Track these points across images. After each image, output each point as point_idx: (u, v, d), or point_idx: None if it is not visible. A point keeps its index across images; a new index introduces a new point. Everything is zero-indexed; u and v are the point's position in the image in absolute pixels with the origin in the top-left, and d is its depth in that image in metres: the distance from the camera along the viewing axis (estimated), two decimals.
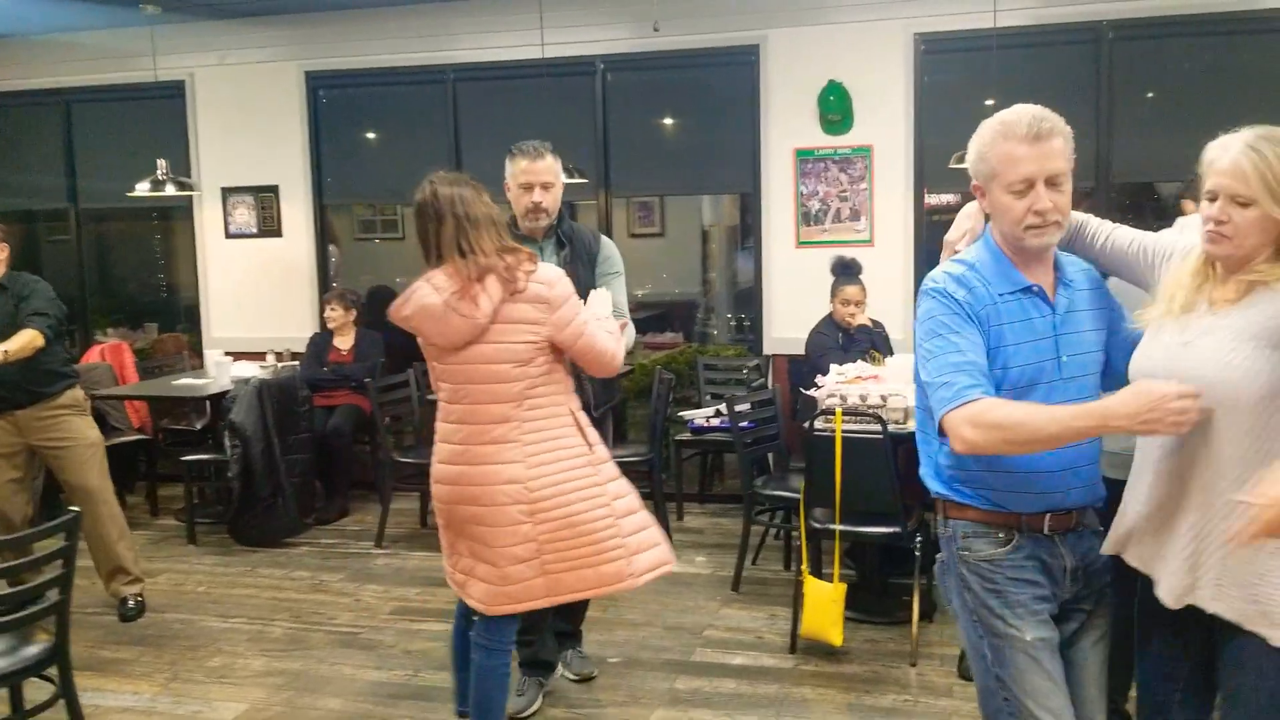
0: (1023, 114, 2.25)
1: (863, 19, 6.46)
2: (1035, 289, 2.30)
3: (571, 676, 4.22)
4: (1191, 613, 2.16)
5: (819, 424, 4.48)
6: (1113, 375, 2.36)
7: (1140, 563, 2.27)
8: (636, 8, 6.68)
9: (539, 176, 3.81)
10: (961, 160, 3.30)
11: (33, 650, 3.37)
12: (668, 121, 7.27)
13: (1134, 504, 2.28)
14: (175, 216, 9.25)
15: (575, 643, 4.31)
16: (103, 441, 5.10)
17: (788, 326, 6.70)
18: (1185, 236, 2.36)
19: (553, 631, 4.12)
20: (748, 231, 10.25)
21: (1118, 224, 2.48)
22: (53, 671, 3.41)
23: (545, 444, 3.16)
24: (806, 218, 6.71)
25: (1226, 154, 2.10)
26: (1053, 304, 2.31)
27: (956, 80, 6.50)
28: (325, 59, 7.35)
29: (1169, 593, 2.17)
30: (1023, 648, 2.28)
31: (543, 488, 3.13)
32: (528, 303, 3.12)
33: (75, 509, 3.34)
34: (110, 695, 4.15)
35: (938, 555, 2.46)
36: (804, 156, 6.67)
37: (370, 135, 7.58)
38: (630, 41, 6.83)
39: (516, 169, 3.84)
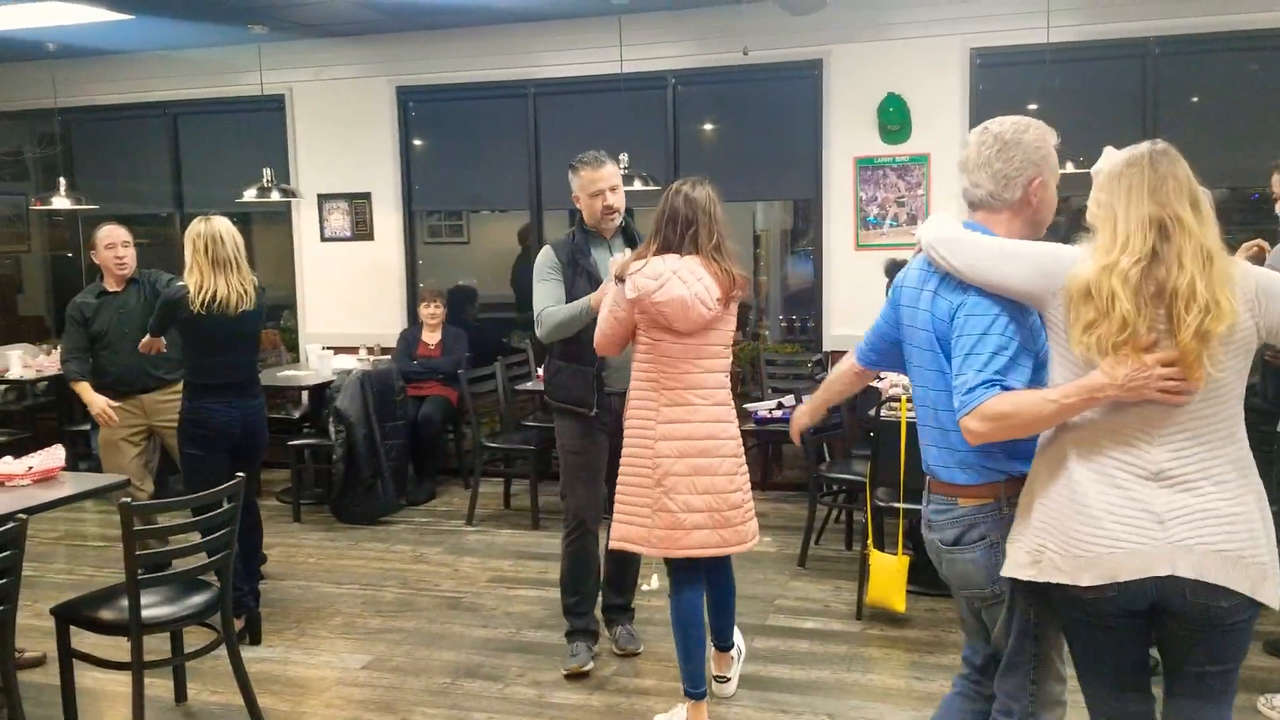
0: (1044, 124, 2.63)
1: (921, 35, 6.87)
2: None
3: (617, 651, 4.52)
4: None
5: (884, 411, 4.90)
6: None
7: None
8: (708, 25, 7.15)
9: (606, 181, 4.18)
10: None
11: (198, 599, 3.85)
12: (735, 132, 7.70)
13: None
14: (259, 221, 9.82)
15: (628, 618, 4.63)
16: None
17: (846, 325, 7.11)
18: None
19: (605, 607, 4.56)
20: (799, 236, 10.65)
21: None
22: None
23: (732, 409, 3.79)
24: (865, 223, 7.13)
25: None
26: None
27: (1010, 92, 6.84)
28: (415, 75, 7.88)
29: None
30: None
31: (739, 444, 3.77)
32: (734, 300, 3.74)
33: (241, 474, 3.84)
34: (248, 649, 4.62)
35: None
36: (864, 164, 7.09)
37: (456, 146, 8.09)
38: (700, 58, 7.29)
39: (583, 180, 4.20)
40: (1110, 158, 2.43)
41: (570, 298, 4.20)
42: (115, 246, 5.45)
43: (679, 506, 3.61)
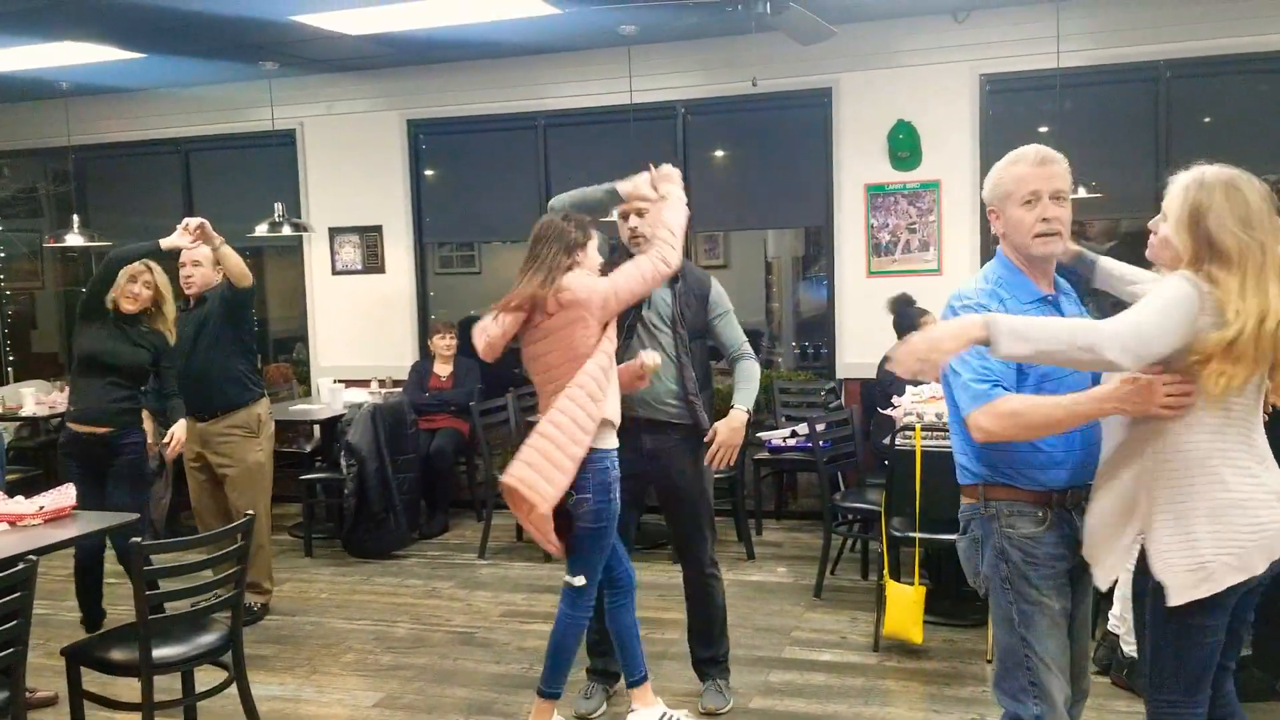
0: (1029, 147, 2.74)
1: (930, 61, 6.86)
2: (1050, 298, 2.73)
3: (701, 710, 4.20)
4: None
5: (899, 439, 4.86)
6: None
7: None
8: (717, 55, 7.16)
9: (631, 204, 4.06)
10: None
11: (208, 639, 3.82)
12: (745, 160, 7.69)
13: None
14: (270, 255, 9.86)
15: (718, 671, 4.30)
16: (264, 465, 5.50)
17: (859, 351, 7.08)
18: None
19: (692, 661, 4.31)
20: (810, 262, 10.65)
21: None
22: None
23: None
24: (877, 249, 7.10)
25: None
26: (1062, 310, 2.73)
27: (1020, 117, 6.86)
28: (425, 108, 7.92)
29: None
30: (1050, 614, 2.68)
31: None
32: None
33: (250, 513, 3.82)
34: (259, 686, 4.55)
35: (967, 531, 2.82)
36: (875, 191, 7.07)
37: (467, 177, 8.10)
38: (710, 87, 7.30)
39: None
40: (1223, 187, 2.48)
41: None
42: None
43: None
